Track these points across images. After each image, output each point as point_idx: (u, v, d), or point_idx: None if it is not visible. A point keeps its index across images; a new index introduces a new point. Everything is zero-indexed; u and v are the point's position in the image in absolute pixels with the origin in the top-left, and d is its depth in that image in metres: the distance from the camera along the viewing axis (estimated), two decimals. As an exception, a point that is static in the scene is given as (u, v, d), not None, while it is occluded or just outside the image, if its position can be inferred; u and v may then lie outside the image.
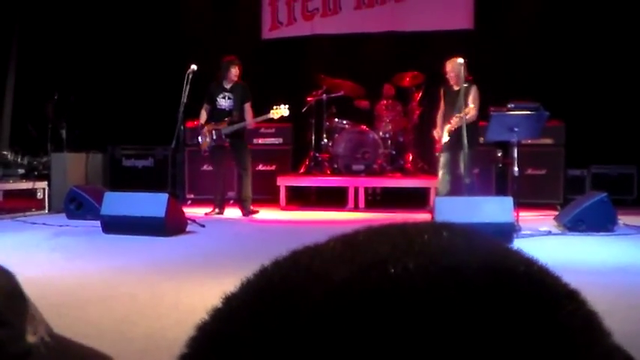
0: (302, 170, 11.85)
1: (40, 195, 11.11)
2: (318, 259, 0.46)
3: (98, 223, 8.67)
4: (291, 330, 0.43)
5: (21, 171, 11.52)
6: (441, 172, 9.84)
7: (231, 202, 12.13)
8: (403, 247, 0.45)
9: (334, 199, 11.41)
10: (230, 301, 0.49)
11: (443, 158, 9.78)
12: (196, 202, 11.86)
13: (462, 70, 9.15)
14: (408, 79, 11.62)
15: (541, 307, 0.44)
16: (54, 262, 6.82)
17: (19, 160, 11.65)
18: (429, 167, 11.72)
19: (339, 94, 11.71)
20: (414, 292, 0.42)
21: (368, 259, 0.45)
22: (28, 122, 12.52)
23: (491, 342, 0.41)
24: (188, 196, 12.05)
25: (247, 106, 10.43)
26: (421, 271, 0.43)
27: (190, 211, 9.85)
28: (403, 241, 0.46)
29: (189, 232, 8.80)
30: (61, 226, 9.37)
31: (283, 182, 11.58)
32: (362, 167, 11.41)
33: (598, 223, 8.61)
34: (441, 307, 0.41)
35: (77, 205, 10.13)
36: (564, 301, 0.45)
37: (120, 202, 8.71)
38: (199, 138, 10.58)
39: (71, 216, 10.04)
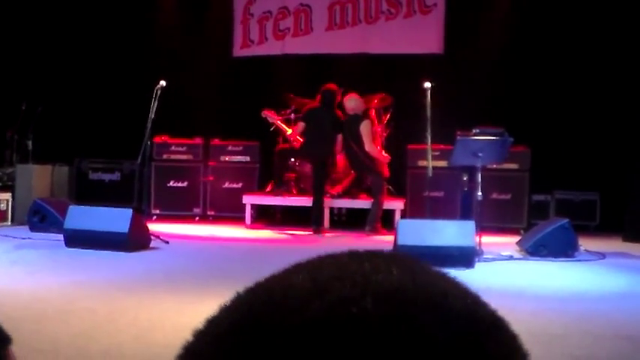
0: (268, 189, 11.86)
1: (3, 206, 11.00)
2: (291, 295, 0.54)
3: (61, 236, 8.59)
4: (268, 356, 0.51)
5: (-16, 182, 11.43)
6: None
7: (197, 219, 12.13)
8: (361, 285, 0.53)
9: (300, 218, 11.42)
10: (212, 325, 0.57)
11: None
12: (162, 218, 11.82)
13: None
14: (376, 100, 11.69)
15: (472, 339, 0.52)
16: (13, 275, 6.77)
17: (-18, 170, 11.55)
18: (394, 189, 11.79)
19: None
20: (369, 329, 0.50)
21: (334, 297, 0.52)
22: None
23: None
24: (154, 212, 12.00)
25: None
26: (376, 310, 0.51)
27: (155, 227, 9.82)
28: (361, 279, 0.54)
29: (152, 247, 8.76)
30: (23, 238, 9.26)
31: (249, 200, 11.58)
32: (328, 187, 11.44)
33: (559, 248, 8.71)
34: (392, 344, 0.50)
35: (41, 218, 10.05)
36: (492, 331, 0.54)
37: (84, 216, 8.66)
38: None
39: (34, 229, 9.94)
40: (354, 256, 0.59)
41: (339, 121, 10.99)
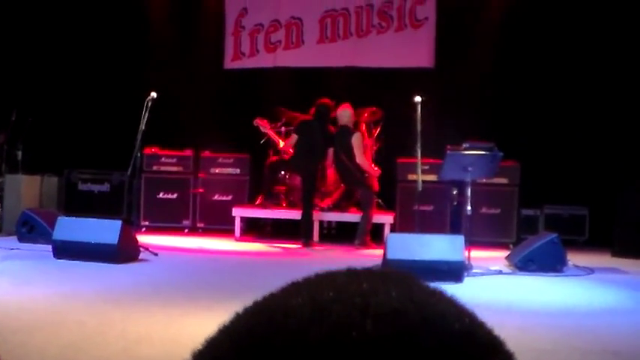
0: (258, 202, 11.85)
1: (-9, 217, 10.98)
2: (292, 318, 0.54)
3: (50, 247, 8.56)
4: None
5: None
6: None
7: (186, 231, 12.11)
8: (361, 308, 0.54)
9: (289, 231, 11.42)
10: (212, 347, 0.57)
11: None
12: (151, 230, 11.80)
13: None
14: (366, 114, 11.71)
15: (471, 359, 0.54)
16: (1, 286, 6.73)
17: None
18: (384, 203, 11.81)
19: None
20: (371, 355, 0.51)
21: (334, 321, 0.53)
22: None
23: None
24: (143, 223, 11.98)
25: None
26: (376, 334, 0.52)
27: (144, 239, 9.80)
28: (361, 301, 0.55)
29: (141, 259, 8.73)
30: (11, 249, 9.21)
31: (239, 213, 11.57)
32: (318, 201, 11.45)
33: (548, 263, 8.73)
34: None
35: (29, 229, 10.02)
36: (489, 351, 0.56)
37: (73, 228, 8.63)
38: None
39: (23, 239, 9.90)
40: (351, 275, 0.60)
41: (331, 135, 11.01)
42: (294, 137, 11.04)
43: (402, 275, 0.61)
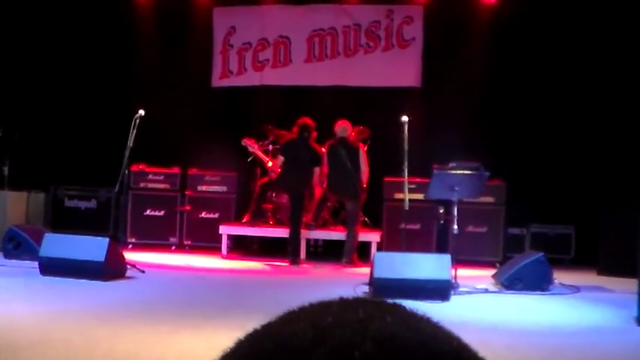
0: (245, 219, 11.85)
1: (-23, 233, 10.91)
2: (296, 342, 0.58)
3: (36, 264, 8.53)
4: None
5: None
6: None
7: (173, 248, 12.09)
8: (361, 332, 0.58)
9: (277, 249, 11.42)
10: None
11: None
12: (138, 247, 11.77)
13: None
14: (353, 133, 11.75)
15: None
16: (-13, 304, 6.71)
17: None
18: (371, 221, 11.83)
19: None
20: None
21: (336, 342, 0.57)
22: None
23: None
24: (130, 240, 11.96)
25: None
26: (376, 354, 0.56)
27: (131, 256, 9.78)
28: (359, 326, 0.59)
29: (128, 277, 8.71)
30: (-3, 266, 9.21)
31: (226, 231, 11.57)
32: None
33: (534, 282, 8.76)
34: None
35: (15, 245, 9.98)
36: None
37: (59, 244, 8.60)
38: None
39: (9, 256, 9.86)
40: (346, 303, 0.64)
41: (317, 154, 11.03)
42: (281, 159, 11.08)
43: (394, 304, 0.66)
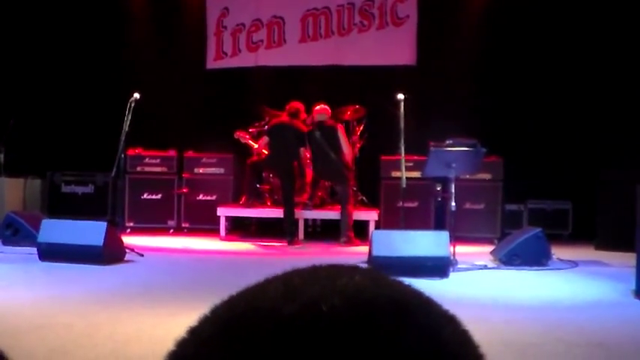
0: (242, 201, 11.85)
1: (-25, 220, 10.91)
2: (267, 299, 0.61)
3: (34, 250, 8.54)
4: (253, 354, 0.57)
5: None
6: None
7: (171, 231, 12.10)
8: (329, 287, 0.61)
9: (275, 230, 11.43)
10: (195, 333, 0.63)
11: None
12: (136, 231, 11.78)
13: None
14: (349, 112, 11.75)
15: (430, 329, 0.60)
16: (-13, 290, 6.72)
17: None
18: (368, 200, 11.85)
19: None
20: (340, 324, 0.57)
21: (305, 298, 0.59)
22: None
23: (395, 356, 0.57)
24: (127, 224, 11.95)
25: None
26: (344, 306, 0.58)
27: (129, 240, 9.79)
28: (328, 283, 0.62)
29: (127, 260, 8.72)
30: (-5, 252, 9.21)
31: (223, 212, 11.57)
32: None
33: (532, 257, 8.79)
34: (359, 334, 0.57)
35: (13, 232, 9.97)
36: (446, 324, 0.62)
37: (58, 230, 8.61)
38: None
39: (7, 242, 9.86)
40: (318, 267, 0.67)
41: (303, 134, 11.02)
42: (266, 139, 11.14)
43: (369, 268, 0.69)
